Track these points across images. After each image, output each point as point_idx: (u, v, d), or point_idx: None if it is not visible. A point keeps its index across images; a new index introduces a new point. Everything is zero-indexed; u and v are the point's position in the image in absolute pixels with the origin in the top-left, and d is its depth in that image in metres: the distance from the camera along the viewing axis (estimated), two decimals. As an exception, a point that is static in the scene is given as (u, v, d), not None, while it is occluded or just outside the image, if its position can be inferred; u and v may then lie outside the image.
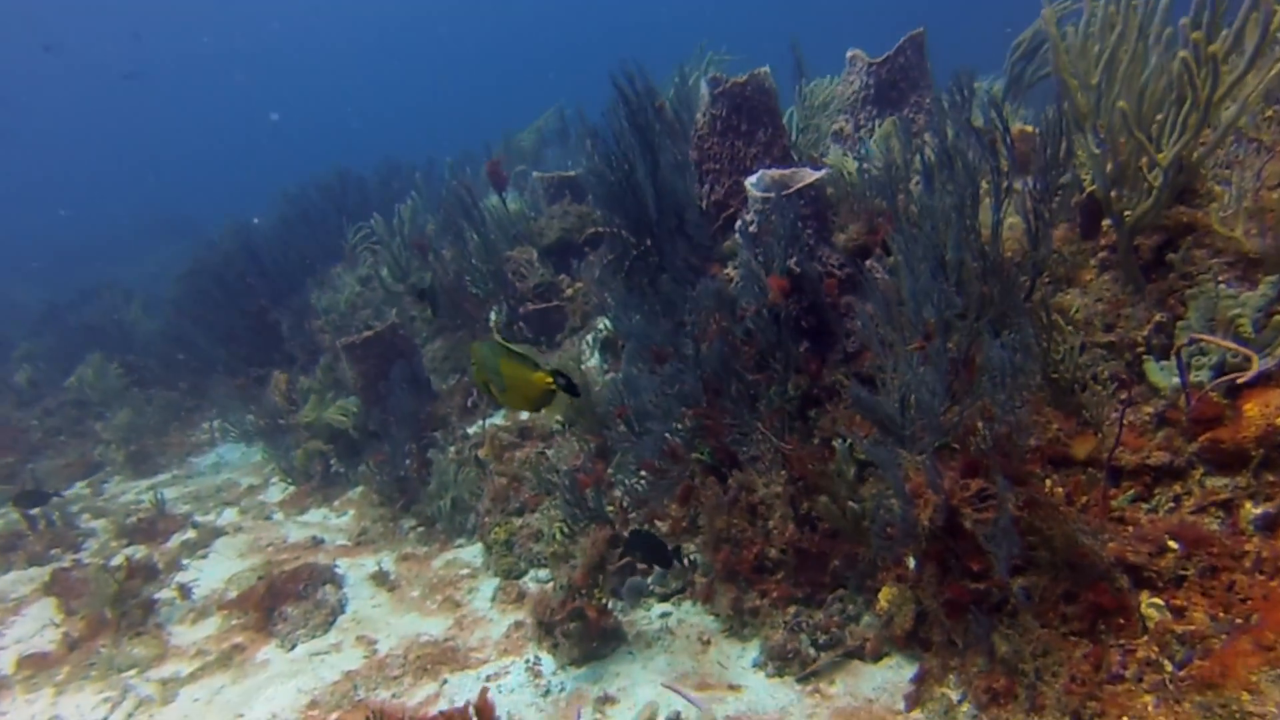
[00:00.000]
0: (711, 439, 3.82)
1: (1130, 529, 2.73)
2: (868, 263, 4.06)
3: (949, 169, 3.31)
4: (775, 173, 4.33)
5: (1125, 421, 3.02)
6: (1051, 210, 3.49)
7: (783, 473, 3.41)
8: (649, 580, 3.94)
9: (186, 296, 9.24)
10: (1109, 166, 3.41)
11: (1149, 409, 3.07)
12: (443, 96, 43.52)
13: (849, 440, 3.17)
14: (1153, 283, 3.33)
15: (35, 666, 4.63)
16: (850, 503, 3.11)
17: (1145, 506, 2.84)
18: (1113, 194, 3.42)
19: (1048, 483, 2.86)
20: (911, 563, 2.91)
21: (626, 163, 5.28)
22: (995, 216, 3.40)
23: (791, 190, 4.02)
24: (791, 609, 3.34)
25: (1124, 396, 3.11)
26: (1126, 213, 3.40)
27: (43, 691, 4.39)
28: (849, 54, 5.94)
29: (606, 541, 3.62)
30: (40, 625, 5.14)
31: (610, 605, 3.81)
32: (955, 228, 3.14)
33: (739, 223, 4.25)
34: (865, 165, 4.75)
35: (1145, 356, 3.23)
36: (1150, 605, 2.56)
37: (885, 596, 3.03)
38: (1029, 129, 4.95)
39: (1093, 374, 3.26)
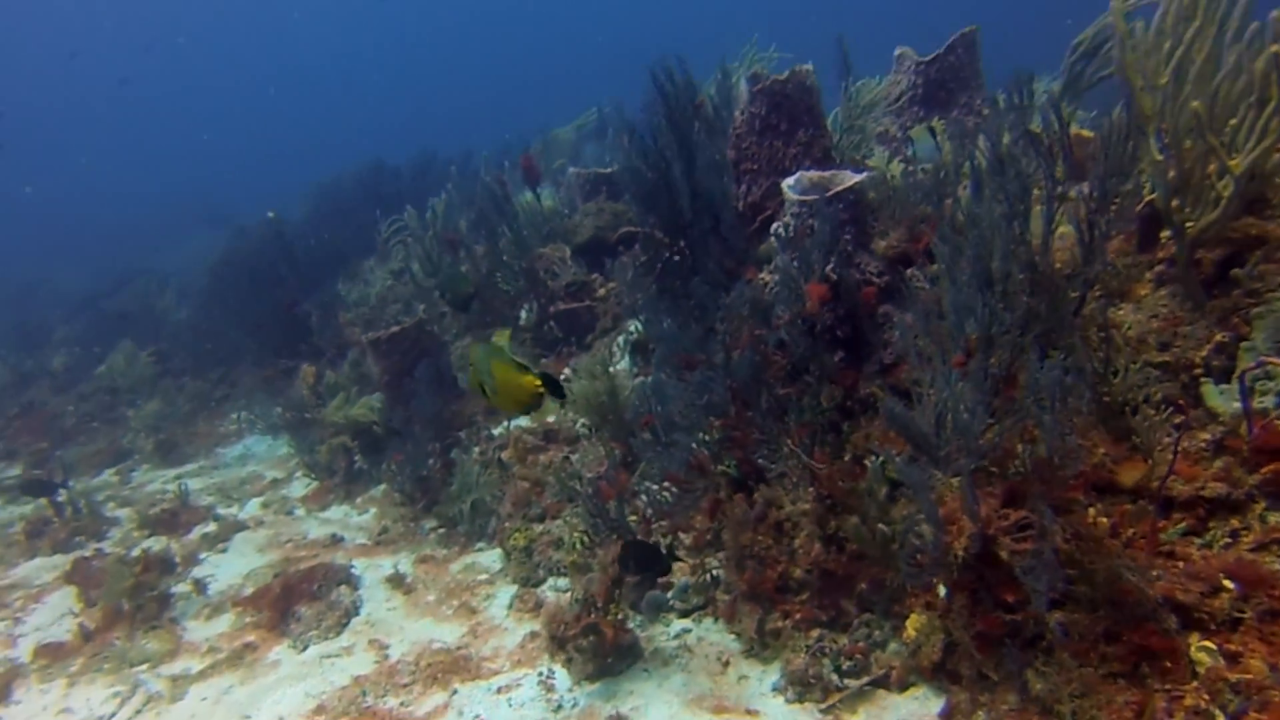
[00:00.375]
0: (738, 451, 3.72)
1: (1180, 565, 2.58)
2: (909, 272, 3.93)
3: (1000, 175, 3.18)
4: (814, 175, 4.22)
5: (1179, 448, 2.88)
6: (1107, 220, 3.35)
7: (810, 490, 3.31)
8: (669, 595, 3.85)
9: (216, 286, 9.34)
10: (1171, 174, 3.26)
11: (1205, 435, 2.92)
12: (487, 90, 43.71)
13: (881, 458, 3.06)
14: (1215, 300, 3.18)
15: (51, 656, 4.67)
16: (880, 525, 3.00)
17: (1198, 541, 2.69)
18: (1174, 203, 3.26)
19: (1091, 512, 2.73)
20: (942, 591, 2.79)
21: (662, 161, 5.20)
22: (1046, 226, 3.27)
23: (830, 193, 3.91)
24: (815, 632, 3.24)
25: (1178, 420, 2.96)
26: (1188, 224, 3.25)
27: (56, 682, 4.42)
28: (897, 52, 5.81)
29: (616, 563, 3.54)
30: (60, 614, 5.19)
31: (628, 620, 3.74)
32: (1003, 238, 3.01)
33: (774, 226, 4.15)
34: (911, 168, 4.63)
35: (1203, 379, 3.07)
36: (1201, 649, 2.42)
37: (913, 624, 2.91)
38: (1085, 133, 4.79)
39: (1145, 396, 3.11)
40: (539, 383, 2.77)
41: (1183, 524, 2.74)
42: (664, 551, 3.66)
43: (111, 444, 8.56)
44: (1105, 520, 2.69)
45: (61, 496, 6.65)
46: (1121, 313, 3.44)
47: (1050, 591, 2.37)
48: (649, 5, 51.04)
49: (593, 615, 3.40)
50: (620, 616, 3.47)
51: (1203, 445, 2.89)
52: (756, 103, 4.76)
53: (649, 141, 5.23)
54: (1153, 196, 3.46)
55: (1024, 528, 2.54)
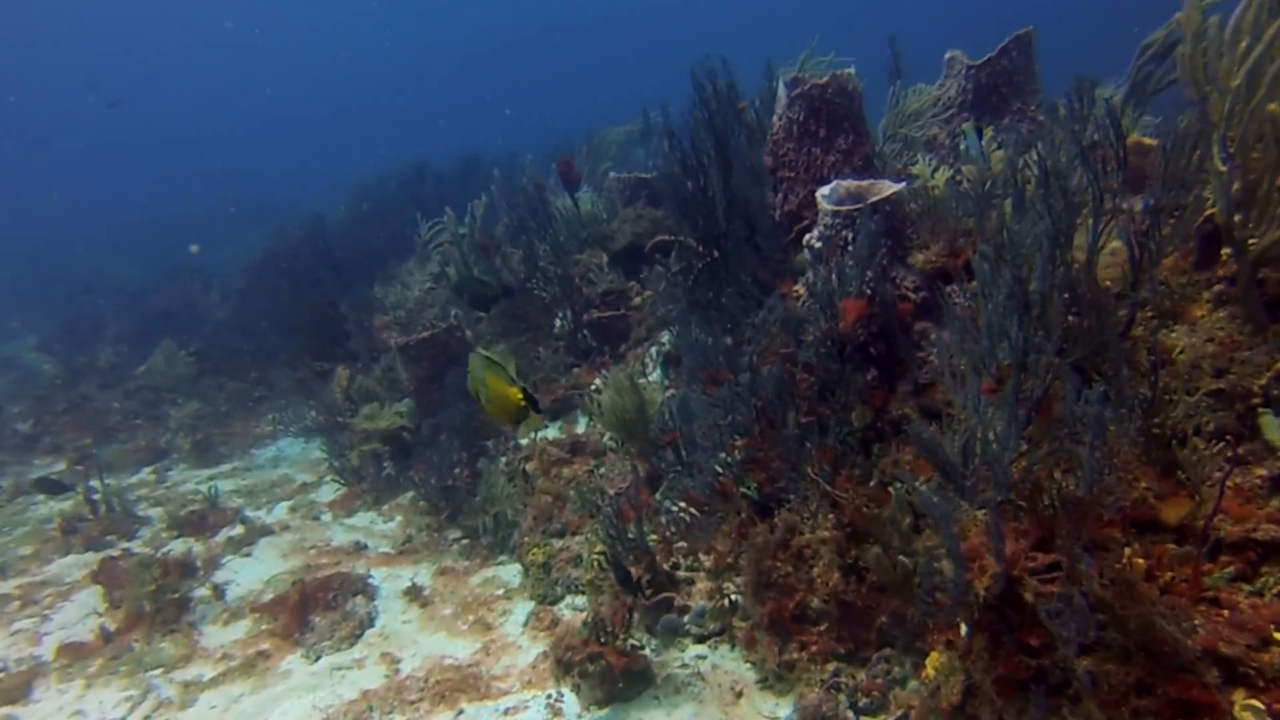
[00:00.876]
0: (761, 474, 3.63)
1: (1225, 614, 2.42)
2: (949, 288, 3.80)
3: (1044, 188, 3.04)
4: (850, 184, 4.11)
5: (1230, 484, 2.71)
6: (1162, 235, 3.20)
7: (831, 516, 3.20)
8: (686, 619, 3.76)
9: (254, 286, 9.50)
10: (1236, 186, 3.09)
11: (1262, 471, 2.74)
12: (541, 92, 44.07)
13: (904, 485, 2.94)
14: (1278, 323, 3.00)
15: (72, 655, 4.75)
16: (901, 556, 2.88)
17: (1247, 588, 2.52)
18: (1236, 218, 3.09)
19: (1127, 551, 2.58)
20: (964, 629, 2.66)
21: (699, 167, 5.13)
22: (1093, 241, 3.13)
23: (865, 204, 3.79)
24: (831, 665, 3.13)
25: (1230, 455, 2.80)
26: (1251, 240, 3.07)
27: (74, 683, 4.49)
28: (947, 55, 5.66)
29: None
30: (86, 613, 5.29)
31: (642, 644, 3.67)
32: (1044, 256, 2.87)
33: (807, 237, 4.05)
34: (956, 168, 4.50)
35: (1262, 410, 2.89)
36: (1246, 708, 2.26)
37: (932, 663, 2.78)
38: (1148, 141, 4.59)
39: (1195, 426, 2.95)
40: (521, 398, 3.02)
41: (1230, 568, 2.57)
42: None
43: (151, 442, 8.74)
44: (1142, 561, 2.54)
45: (71, 498, 6.85)
46: (1175, 335, 3.27)
47: (1079, 638, 2.24)
48: (710, 7, 51.04)
49: (602, 639, 3.33)
50: (630, 643, 3.39)
51: (1258, 482, 2.72)
52: (794, 107, 4.66)
53: (687, 147, 5.17)
54: (1213, 210, 3.29)
55: (1053, 568, 2.41)
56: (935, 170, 4.70)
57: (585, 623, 3.47)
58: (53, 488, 6.85)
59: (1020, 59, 5.45)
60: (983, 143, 4.55)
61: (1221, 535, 2.61)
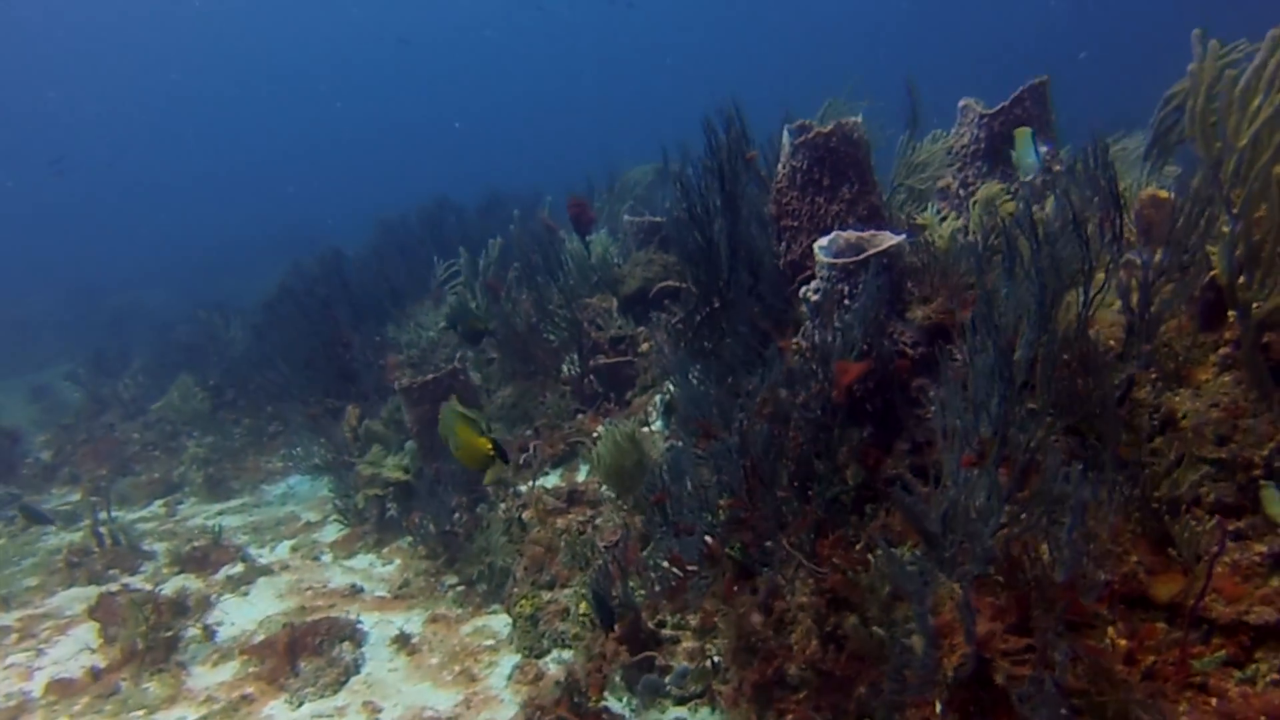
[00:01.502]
0: (746, 534, 3.55)
1: (1213, 702, 2.31)
2: (948, 345, 3.73)
3: (1035, 250, 2.98)
4: (850, 235, 4.06)
5: (1227, 561, 2.61)
6: (1163, 295, 3.13)
7: (810, 581, 3.12)
8: (667, 679, 3.68)
9: (270, 320, 9.60)
10: (1239, 248, 3.01)
11: (1261, 548, 2.63)
12: (574, 128, 44.63)
13: (880, 553, 2.86)
14: (1281, 391, 2.90)
15: (60, 693, 4.75)
16: (876, 628, 2.79)
17: (1238, 675, 2.40)
18: (1240, 280, 3.01)
19: (1110, 630, 2.47)
20: (939, 707, 2.56)
21: (705, 214, 5.12)
22: (1085, 302, 3.06)
23: (862, 256, 3.74)
24: (810, 738, 3.03)
25: (1230, 527, 2.70)
26: (1256, 304, 2.99)
27: (59, 721, 4.50)
28: (961, 103, 5.61)
29: (619, 640, 3.40)
30: (79, 648, 5.30)
31: (623, 700, 3.59)
32: (1030, 323, 2.80)
33: (803, 290, 4.00)
34: (961, 233, 4.44)
35: (1264, 482, 2.78)
36: (1229, 804, 2.15)
37: (910, 743, 2.68)
38: (1162, 194, 4.50)
39: (1194, 496, 2.85)
40: (489, 447, 3.26)
41: (1221, 652, 2.46)
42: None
43: (165, 475, 8.82)
44: (1125, 642, 2.43)
45: (51, 530, 7.00)
46: (1179, 399, 3.17)
47: (1049, 726, 2.14)
48: (748, 49, 51.52)
49: (575, 699, 3.25)
50: (604, 704, 3.32)
51: (1256, 560, 2.61)
52: (798, 156, 4.64)
53: (694, 193, 5.16)
54: (1214, 272, 3.21)
55: (1028, 649, 2.32)
56: (943, 220, 4.65)
57: (558, 682, 3.40)
58: (35, 517, 7.01)
59: (1034, 108, 5.39)
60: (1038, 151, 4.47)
61: (1214, 616, 2.51)
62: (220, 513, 7.64)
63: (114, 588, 5.96)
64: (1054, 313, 2.88)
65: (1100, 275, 3.17)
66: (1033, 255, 2.80)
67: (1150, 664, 2.39)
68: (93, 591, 6.13)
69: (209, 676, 4.70)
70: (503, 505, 5.57)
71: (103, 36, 48.23)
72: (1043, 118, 5.43)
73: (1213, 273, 3.23)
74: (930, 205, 5.03)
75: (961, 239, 4.30)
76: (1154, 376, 3.22)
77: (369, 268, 10.74)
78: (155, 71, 51.94)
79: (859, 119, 4.67)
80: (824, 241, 4.00)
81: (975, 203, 4.49)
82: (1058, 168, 5.59)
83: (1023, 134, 4.56)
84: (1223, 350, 3.20)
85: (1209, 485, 2.86)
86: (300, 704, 4.26)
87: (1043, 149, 4.63)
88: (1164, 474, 2.88)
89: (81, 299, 20.41)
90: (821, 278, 3.90)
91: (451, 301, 7.80)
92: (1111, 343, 3.39)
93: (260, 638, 4.98)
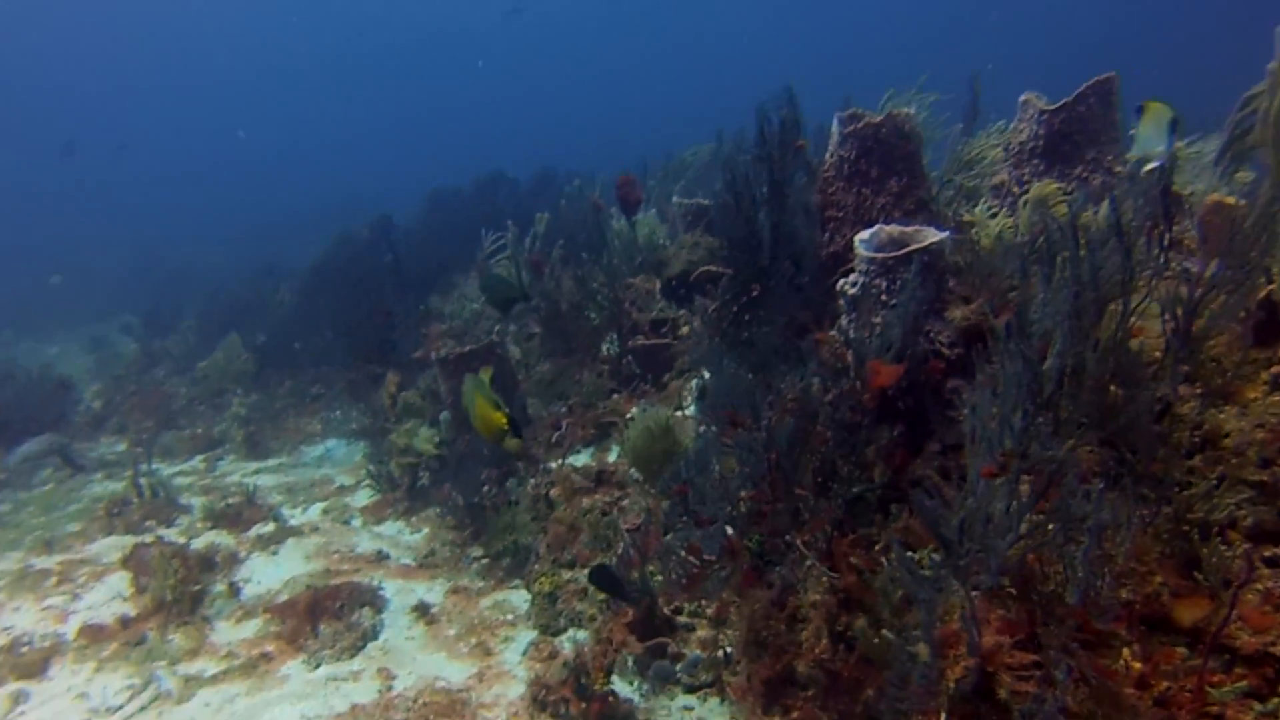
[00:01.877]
0: (766, 528, 3.54)
1: (1227, 733, 2.26)
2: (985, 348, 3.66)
3: (1074, 255, 2.90)
4: (893, 229, 4.00)
5: (1258, 589, 2.54)
6: (1212, 309, 3.04)
7: (825, 580, 3.10)
8: (678, 667, 3.69)
9: (316, 284, 9.75)
10: (1298, 264, 2.92)
11: (1294, 578, 2.56)
12: (634, 107, 44.56)
13: (894, 555, 2.83)
14: (1330, 415, 2.81)
15: (91, 637, 4.92)
16: (885, 631, 2.77)
17: (1258, 707, 2.34)
18: (1295, 299, 2.92)
19: (1125, 652, 2.42)
20: (943, 717, 2.53)
21: (751, 202, 5.08)
22: (1124, 311, 2.98)
23: (902, 252, 3.68)
24: (814, 738, 3.02)
25: (1266, 554, 2.63)
26: (1311, 325, 2.89)
27: (87, 665, 4.65)
28: (1022, 98, 5.47)
29: (628, 628, 3.42)
30: (112, 596, 5.48)
31: (632, 687, 3.62)
32: (1064, 332, 2.73)
33: (841, 283, 3.95)
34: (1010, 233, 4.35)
35: (1305, 509, 2.71)
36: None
37: (913, 751, 2.66)
38: (1229, 200, 4.35)
39: (1230, 519, 2.78)
40: (505, 421, 3.40)
41: (1243, 683, 2.39)
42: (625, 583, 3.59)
43: (207, 431, 9.04)
44: (1139, 665, 2.38)
45: (96, 478, 7.20)
46: (1223, 416, 3.08)
47: (1048, 746, 2.10)
48: (817, 37, 50.82)
49: (581, 681, 3.28)
50: (608, 689, 3.34)
51: (1288, 590, 2.54)
52: (846, 145, 4.57)
53: (739, 180, 5.13)
54: (1271, 287, 3.12)
55: (1035, 665, 2.28)
56: (992, 218, 4.56)
57: (566, 663, 3.43)
58: (72, 462, 7.27)
59: (1099, 106, 5.23)
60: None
61: (1238, 645, 2.44)
62: (257, 471, 7.81)
63: (148, 539, 6.13)
64: (1091, 322, 2.81)
65: (1143, 285, 3.09)
66: (1070, 262, 2.73)
67: (1163, 690, 2.33)
68: (129, 541, 6.32)
69: (231, 633, 4.83)
70: (531, 481, 5.62)
71: (162, 21, 49.37)
72: (1107, 117, 5.27)
73: (1270, 288, 3.14)
74: (982, 202, 4.93)
75: (1010, 239, 4.21)
76: (1199, 392, 3.13)
77: (418, 238, 10.85)
78: (219, 52, 53.20)
79: (911, 110, 4.59)
80: (865, 235, 3.95)
81: (1026, 202, 4.38)
82: (1119, 169, 5.44)
83: (1157, 110, 3.76)
84: (1275, 369, 3.11)
85: (1248, 509, 2.78)
86: (317, 665, 4.35)
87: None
88: (1201, 495, 2.81)
89: (141, 258, 21.00)
90: (860, 271, 3.85)
91: (485, 270, 7.86)
92: (1157, 354, 3.30)
93: (284, 598, 5.10)
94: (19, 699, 4.40)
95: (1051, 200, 4.72)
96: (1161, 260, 3.36)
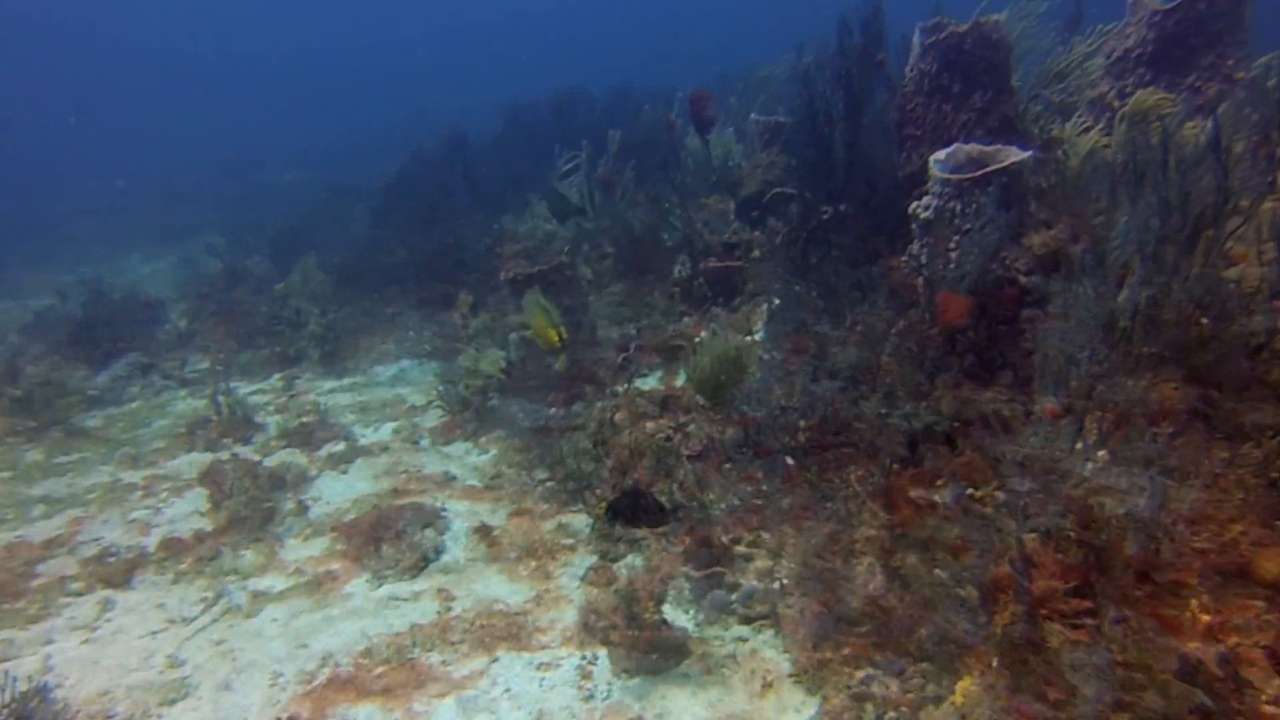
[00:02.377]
0: (822, 457, 3.50)
1: (1299, 692, 2.16)
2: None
3: (1161, 178, 2.72)
4: (971, 148, 3.82)
5: (1346, 540, 2.40)
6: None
7: (881, 514, 3.05)
8: (734, 597, 3.71)
9: (389, 204, 9.82)
10: None
11: (1390, 531, 2.42)
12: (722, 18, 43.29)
13: (953, 492, 2.76)
14: None
15: (170, 550, 5.19)
16: (938, 570, 2.72)
17: (1336, 665, 2.23)
18: None
19: (1194, 604, 2.32)
20: (994, 662, 2.49)
21: (826, 119, 4.92)
22: (1219, 239, 2.79)
23: (979, 173, 3.51)
24: (864, 671, 3.01)
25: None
26: None
27: (166, 576, 4.92)
28: (1130, -1, 5.11)
29: (683, 557, 3.44)
30: (191, 511, 5.76)
31: (688, 616, 3.66)
32: (1143, 263, 2.58)
33: (913, 205, 3.80)
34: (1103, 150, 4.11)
35: None
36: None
37: (962, 690, 2.63)
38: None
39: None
40: (559, 337, 4.01)
41: (1322, 639, 2.28)
42: (660, 505, 3.54)
43: (285, 350, 9.31)
44: (1206, 618, 2.28)
45: (182, 394, 7.47)
46: (1325, 356, 2.89)
47: (1099, 702, 2.05)
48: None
49: (632, 610, 3.33)
50: (659, 617, 3.37)
51: (1383, 543, 2.40)
52: (927, 58, 4.36)
53: (815, 97, 4.96)
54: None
55: (1088, 613, 2.21)
56: (1084, 133, 4.31)
57: (617, 591, 3.48)
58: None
59: (1224, 2, 4.82)
60: None
61: (1320, 600, 2.32)
62: (332, 390, 8.04)
63: (225, 456, 6.40)
64: (1178, 250, 2.65)
65: (1246, 206, 2.89)
66: (1154, 184, 2.57)
67: (1232, 645, 2.24)
68: (207, 458, 6.61)
69: (300, 550, 5.04)
70: (599, 405, 5.65)
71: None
72: (1234, 13, 4.85)
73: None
74: (1075, 117, 4.65)
75: (1102, 159, 3.98)
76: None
77: (494, 155, 10.83)
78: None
79: (1001, 18, 4.34)
80: (942, 155, 3.78)
81: (1123, 117, 4.12)
82: (1241, 76, 5.06)
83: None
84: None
85: (1341, 456, 2.62)
86: (380, 584, 4.52)
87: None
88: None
89: (227, 178, 21.59)
90: (934, 194, 3.70)
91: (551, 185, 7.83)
92: (1255, 284, 3.10)
93: (350, 517, 5.29)
94: (106, 606, 4.69)
95: (1154, 113, 4.43)
96: (1270, 181, 3.14)
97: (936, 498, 2.93)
